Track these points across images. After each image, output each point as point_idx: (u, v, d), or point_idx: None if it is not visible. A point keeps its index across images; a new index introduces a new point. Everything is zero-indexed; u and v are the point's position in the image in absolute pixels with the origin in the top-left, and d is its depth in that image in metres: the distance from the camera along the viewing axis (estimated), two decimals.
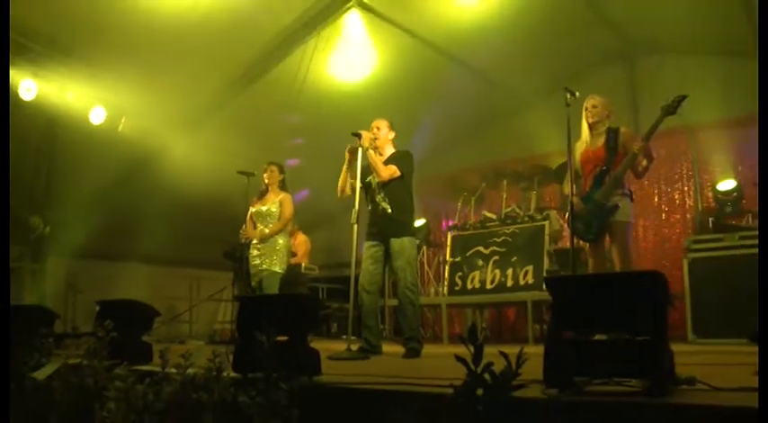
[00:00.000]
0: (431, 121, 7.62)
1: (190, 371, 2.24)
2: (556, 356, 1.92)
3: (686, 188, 7.67)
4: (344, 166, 4.64)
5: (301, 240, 8.11)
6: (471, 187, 8.02)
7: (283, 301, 3.20)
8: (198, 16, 5.67)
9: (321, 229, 9.57)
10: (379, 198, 4.60)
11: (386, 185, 4.58)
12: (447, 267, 7.27)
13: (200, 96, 6.92)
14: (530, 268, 6.52)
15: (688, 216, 7.53)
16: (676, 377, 1.92)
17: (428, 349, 4.70)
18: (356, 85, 6.90)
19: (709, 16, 6.32)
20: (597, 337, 2.09)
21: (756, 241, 5.10)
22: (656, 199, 7.82)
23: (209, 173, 6.76)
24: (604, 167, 4.26)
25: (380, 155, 4.66)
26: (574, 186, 4.28)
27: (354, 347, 4.16)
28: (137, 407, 2.17)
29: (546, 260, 6.46)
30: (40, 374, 2.65)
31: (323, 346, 3.16)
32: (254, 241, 5.58)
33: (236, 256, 7.18)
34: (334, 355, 3.86)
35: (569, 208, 4.25)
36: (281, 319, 2.47)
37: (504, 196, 7.65)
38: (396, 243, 4.50)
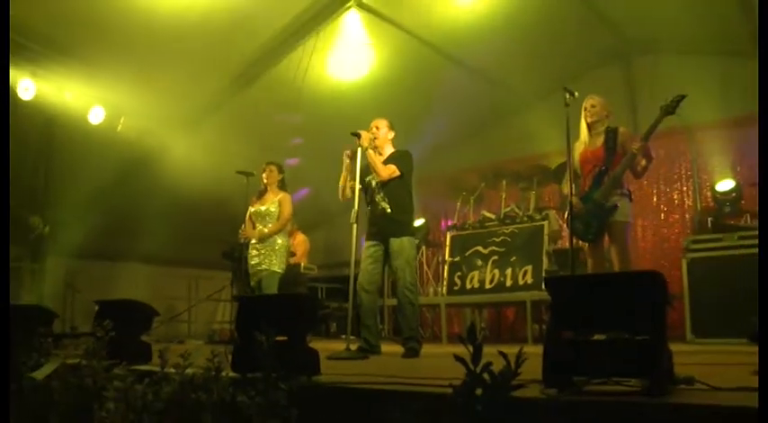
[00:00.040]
0: (430, 120, 7.62)
1: (189, 371, 2.23)
2: (555, 356, 1.93)
3: (685, 188, 7.68)
4: (344, 171, 4.64)
5: (300, 240, 8.10)
6: (470, 187, 8.03)
7: (282, 300, 3.20)
8: (197, 16, 5.66)
9: (320, 229, 9.58)
10: (378, 198, 4.60)
11: (385, 185, 4.58)
12: (446, 267, 7.27)
13: (199, 96, 6.92)
14: (529, 268, 6.53)
15: (687, 216, 7.54)
16: (675, 377, 1.93)
17: (427, 349, 4.71)
18: (355, 85, 6.89)
19: (708, 16, 6.32)
20: (596, 336, 2.10)
21: (755, 241, 5.11)
22: (654, 199, 7.83)
23: (208, 173, 6.76)
24: (603, 167, 4.26)
25: (380, 154, 4.66)
26: (573, 186, 4.28)
27: (353, 347, 4.16)
28: (136, 407, 2.16)
29: (545, 260, 6.47)
30: (39, 374, 2.64)
31: (322, 346, 3.16)
32: (253, 241, 5.57)
33: (235, 256, 7.18)
34: (333, 355, 3.86)
35: (568, 208, 4.26)
36: (280, 319, 2.47)
37: (504, 196, 7.65)
38: (395, 243, 4.50)
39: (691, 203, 7.56)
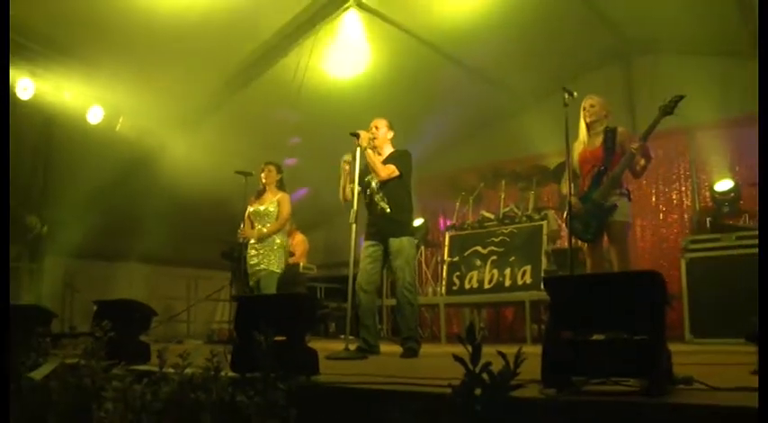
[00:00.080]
0: (429, 120, 7.63)
1: (188, 371, 2.23)
2: (554, 356, 1.93)
3: (684, 188, 7.68)
4: (343, 177, 4.63)
5: (299, 240, 8.10)
6: (469, 187, 8.02)
7: (281, 300, 3.20)
8: (196, 16, 5.66)
9: (319, 229, 9.57)
10: (377, 198, 4.59)
11: (384, 185, 4.58)
12: (445, 267, 7.27)
13: (197, 96, 6.91)
14: (528, 268, 6.53)
15: (686, 216, 7.54)
16: (674, 377, 1.93)
17: (426, 349, 4.70)
18: (354, 85, 6.89)
19: (708, 16, 6.33)
20: (595, 336, 2.09)
21: (754, 241, 5.11)
22: (653, 199, 7.83)
23: (207, 172, 6.75)
24: (602, 167, 4.26)
25: (379, 154, 4.65)
26: (572, 186, 4.28)
27: (352, 347, 4.15)
28: (134, 407, 2.16)
29: (544, 260, 6.47)
30: (38, 374, 2.64)
31: (321, 346, 3.15)
32: (252, 241, 5.57)
33: (234, 256, 7.18)
34: (332, 355, 3.86)
35: (567, 208, 4.26)
36: (279, 319, 2.47)
37: (503, 196, 7.65)
38: (394, 243, 4.49)
39: (689, 203, 7.57)
